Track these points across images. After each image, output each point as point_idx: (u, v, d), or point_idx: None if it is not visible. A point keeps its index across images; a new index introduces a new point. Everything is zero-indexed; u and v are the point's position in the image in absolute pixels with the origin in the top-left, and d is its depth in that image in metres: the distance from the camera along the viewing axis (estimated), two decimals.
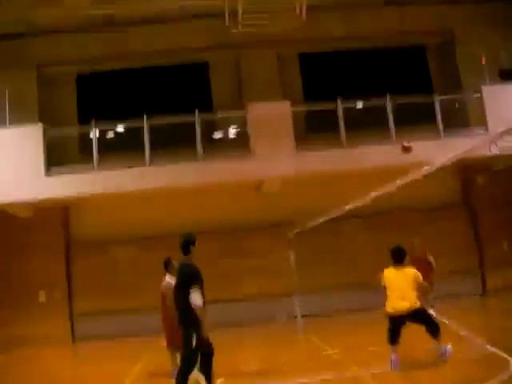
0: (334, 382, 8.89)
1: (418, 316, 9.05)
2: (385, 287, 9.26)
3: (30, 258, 18.37)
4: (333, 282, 18.47)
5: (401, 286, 9.07)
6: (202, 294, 7.96)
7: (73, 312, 18.86)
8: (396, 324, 9.03)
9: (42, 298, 18.62)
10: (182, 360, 8.05)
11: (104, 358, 14.94)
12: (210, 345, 8.04)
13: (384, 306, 9.13)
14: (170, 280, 10.37)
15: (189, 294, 7.82)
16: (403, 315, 8.95)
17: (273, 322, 17.72)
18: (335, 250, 18.79)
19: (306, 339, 12.98)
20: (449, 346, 9.06)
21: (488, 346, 9.81)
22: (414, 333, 9.26)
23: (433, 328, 9.07)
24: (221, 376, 9.60)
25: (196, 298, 7.77)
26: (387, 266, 9.45)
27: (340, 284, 18.47)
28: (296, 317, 15.35)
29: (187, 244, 8.42)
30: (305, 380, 9.09)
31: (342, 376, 9.15)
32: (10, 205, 17.09)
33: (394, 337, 9.04)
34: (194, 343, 7.78)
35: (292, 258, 14.79)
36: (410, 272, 9.28)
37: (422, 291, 9.98)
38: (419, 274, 9.29)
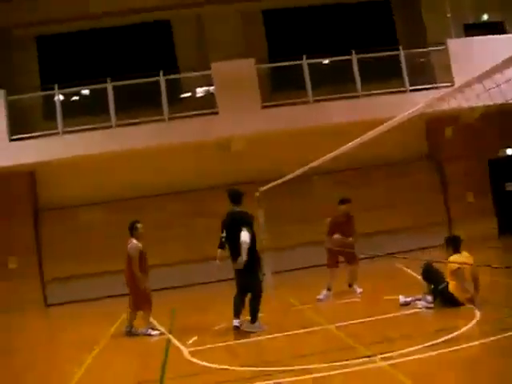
0: (303, 335, 9.04)
1: None
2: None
3: None
4: (301, 239, 18.56)
5: None
6: (254, 236, 9.52)
7: (44, 277, 18.78)
8: None
9: (12, 264, 18.48)
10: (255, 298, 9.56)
11: (78, 321, 14.92)
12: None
13: None
14: (136, 242, 10.62)
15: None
16: None
17: None
18: (303, 208, 18.85)
19: (276, 295, 13.09)
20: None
21: None
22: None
23: None
24: (194, 334, 9.72)
25: (244, 236, 9.19)
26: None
27: (307, 240, 18.57)
28: (264, 274, 15.47)
29: (239, 196, 9.87)
30: (275, 335, 9.21)
31: (311, 330, 9.32)
32: None
33: None
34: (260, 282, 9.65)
35: (261, 216, 14.81)
36: None
37: None
38: None
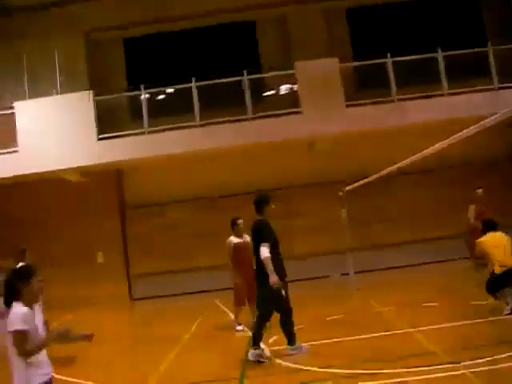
0: (383, 338, 8.93)
1: None
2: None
3: (87, 222, 18.79)
4: (384, 239, 18.36)
5: None
6: (277, 249, 8.72)
7: (130, 273, 19.31)
8: None
9: (100, 259, 19.11)
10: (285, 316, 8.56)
11: (162, 317, 15.29)
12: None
13: None
14: (232, 238, 11.11)
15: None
16: None
17: (325, 280, 17.86)
18: (386, 208, 18.64)
19: (358, 296, 12.98)
20: None
21: None
22: None
23: None
24: (274, 333, 9.73)
25: (264, 252, 8.35)
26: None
27: (391, 241, 18.33)
28: (348, 274, 15.36)
29: (260, 204, 9.05)
30: (356, 337, 9.13)
31: (392, 333, 9.17)
32: (65, 170, 17.44)
33: None
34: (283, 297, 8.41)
35: (344, 215, 14.71)
36: None
37: None
38: None
